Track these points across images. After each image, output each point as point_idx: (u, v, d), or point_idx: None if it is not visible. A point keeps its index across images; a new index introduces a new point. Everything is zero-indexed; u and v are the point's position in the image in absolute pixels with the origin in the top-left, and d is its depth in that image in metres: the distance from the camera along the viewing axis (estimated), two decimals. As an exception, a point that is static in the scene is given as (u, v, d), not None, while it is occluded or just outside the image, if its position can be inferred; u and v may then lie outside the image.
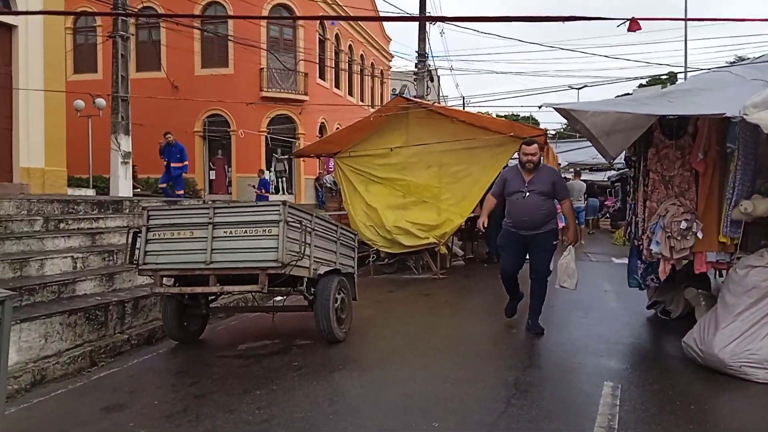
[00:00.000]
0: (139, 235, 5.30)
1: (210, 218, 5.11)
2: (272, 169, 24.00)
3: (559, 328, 6.30)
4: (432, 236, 9.80)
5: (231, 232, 5.06)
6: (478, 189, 9.62)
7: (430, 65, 23.40)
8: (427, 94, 23.61)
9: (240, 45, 21.69)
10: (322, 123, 25.29)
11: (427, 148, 9.88)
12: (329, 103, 24.89)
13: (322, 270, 5.71)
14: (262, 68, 22.42)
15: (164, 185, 15.15)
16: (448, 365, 5.01)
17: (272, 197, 24.40)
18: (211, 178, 23.62)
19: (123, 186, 14.40)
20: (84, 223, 7.24)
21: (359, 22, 28.75)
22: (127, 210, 8.45)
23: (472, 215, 10.00)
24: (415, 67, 23.06)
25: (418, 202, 9.88)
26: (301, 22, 23.15)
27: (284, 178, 24.38)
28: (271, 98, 22.58)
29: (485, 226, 5.95)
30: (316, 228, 5.61)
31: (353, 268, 6.66)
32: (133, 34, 16.41)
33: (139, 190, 17.49)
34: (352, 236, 6.71)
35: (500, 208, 6.26)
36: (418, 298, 8.53)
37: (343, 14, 26.72)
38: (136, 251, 5.32)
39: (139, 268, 5.34)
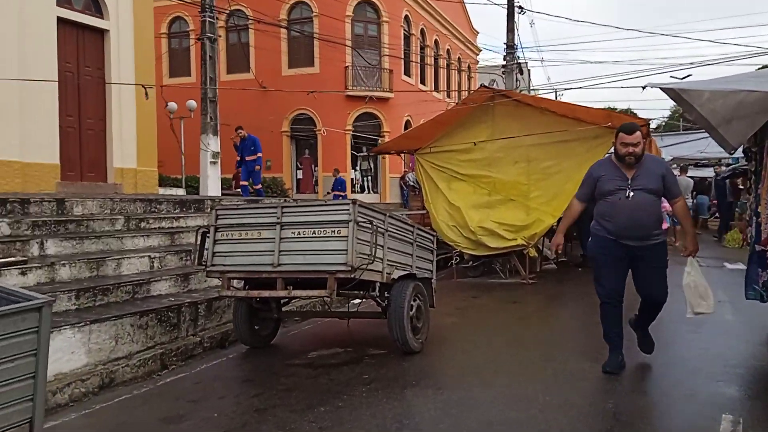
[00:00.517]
0: (208, 235, 5.11)
1: (278, 218, 4.81)
2: (357, 167, 23.94)
3: (666, 346, 5.50)
4: (520, 238, 9.10)
5: (299, 233, 4.75)
6: (571, 186, 8.82)
7: (519, 57, 22.50)
8: (517, 88, 22.68)
9: (325, 44, 21.77)
10: (408, 120, 24.93)
11: (515, 142, 9.18)
12: (414, 99, 24.51)
13: (396, 274, 5.28)
14: (347, 66, 22.35)
15: (245, 183, 14.58)
16: (536, 387, 4.43)
17: (358, 196, 24.43)
18: (298, 177, 23.88)
19: (212, 185, 14.67)
20: (165, 222, 7.24)
21: (445, 16, 28.15)
22: (209, 209, 8.39)
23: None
24: (504, 59, 22.28)
25: (504, 200, 9.21)
26: (386, 17, 22.89)
27: (369, 177, 24.25)
28: (356, 96, 22.47)
29: (567, 242, 5.15)
30: (389, 229, 5.19)
31: (431, 272, 6.19)
32: (220, 36, 16.66)
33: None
34: (430, 238, 6.24)
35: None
36: (504, 306, 7.93)
37: (429, 10, 26.28)
38: (205, 252, 5.13)
39: (207, 269, 5.14)
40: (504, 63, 22.00)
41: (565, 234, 5.24)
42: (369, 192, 24.20)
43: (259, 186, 14.64)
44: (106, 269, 5.56)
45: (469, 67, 33.38)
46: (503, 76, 22.34)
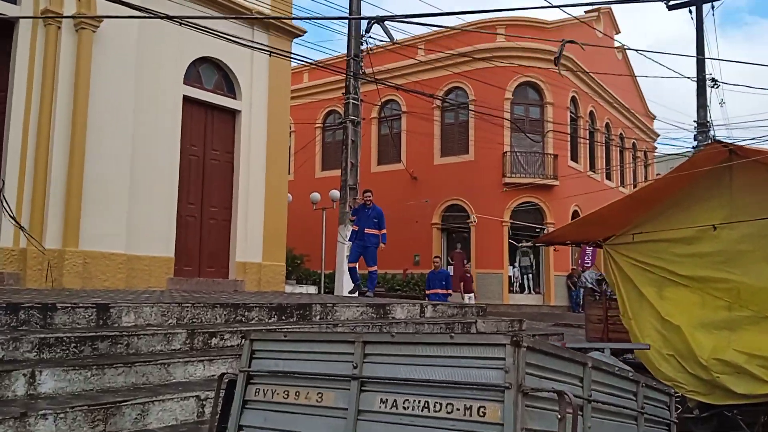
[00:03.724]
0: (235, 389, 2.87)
1: (355, 365, 2.43)
2: (516, 264, 21.11)
3: None
4: (786, 379, 5.73)
5: (395, 404, 2.33)
6: None
7: (714, 136, 18.83)
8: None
9: (481, 129, 19.95)
10: (575, 210, 21.84)
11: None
12: (583, 188, 21.51)
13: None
14: (506, 152, 20.19)
15: (353, 265, 11.07)
16: None
17: (516, 297, 21.44)
18: (449, 273, 21.57)
19: (348, 282, 12.85)
20: (249, 338, 5.26)
21: (617, 97, 25.24)
22: (318, 317, 6.34)
23: None
24: (695, 139, 18.77)
25: (756, 318, 5.86)
26: (549, 98, 20.64)
27: (530, 275, 21.22)
28: (516, 184, 20.08)
29: None
30: (593, 396, 2.57)
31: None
32: (364, 119, 15.51)
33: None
34: (664, 402, 3.43)
35: None
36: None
37: (599, 90, 23.65)
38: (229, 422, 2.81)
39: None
40: (695, 144, 18.50)
41: None
42: (529, 292, 21.11)
43: (375, 268, 10.95)
44: (122, 421, 3.57)
45: (645, 153, 29.64)
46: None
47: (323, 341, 2.68)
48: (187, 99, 9.73)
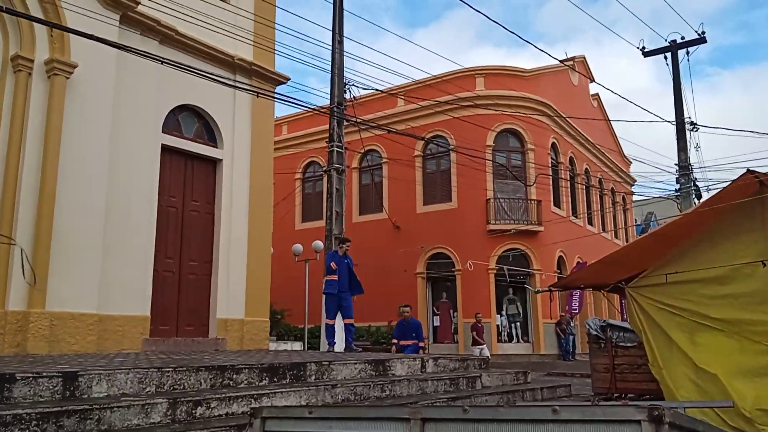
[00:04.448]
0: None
1: None
2: (503, 312, 20.62)
3: None
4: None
5: None
6: None
7: (695, 179, 18.90)
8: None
9: (463, 177, 19.78)
10: (561, 256, 21.61)
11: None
12: (566, 234, 21.35)
13: None
14: (489, 199, 19.99)
15: (332, 322, 10.46)
16: None
17: (505, 346, 20.80)
18: (434, 324, 20.97)
19: (338, 337, 12.20)
20: (237, 405, 4.64)
21: (595, 143, 25.46)
22: (313, 377, 5.76)
23: None
24: (677, 182, 18.82)
25: None
26: (530, 145, 20.66)
27: (518, 323, 20.72)
28: (500, 231, 19.80)
29: None
30: None
31: None
32: (349, 166, 15.18)
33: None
34: None
35: None
36: None
37: (578, 137, 23.82)
38: None
39: None
40: (678, 186, 18.53)
41: None
42: (518, 341, 20.56)
43: (352, 320, 10.46)
44: None
45: (624, 198, 29.81)
46: (678, 200, 18.75)
47: (366, 419, 2.10)
48: (165, 148, 9.29)
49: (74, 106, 7.90)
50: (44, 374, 4.05)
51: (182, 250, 9.51)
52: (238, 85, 10.13)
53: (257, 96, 8.76)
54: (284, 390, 5.04)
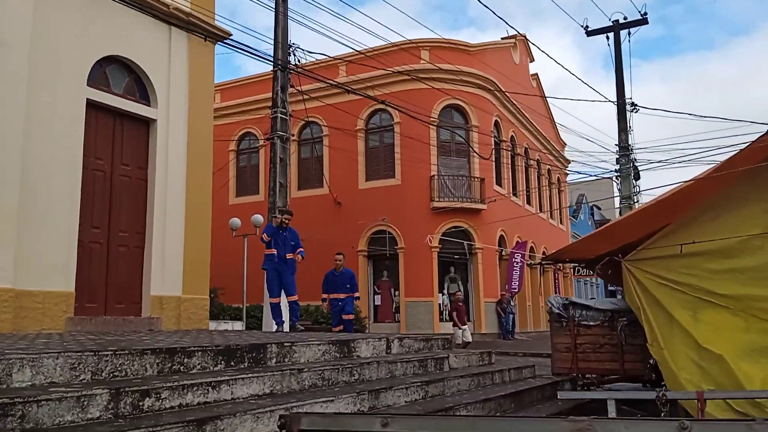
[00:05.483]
0: None
1: None
2: (445, 291, 20.41)
3: None
4: None
5: None
6: None
7: (635, 159, 19.22)
8: (635, 195, 19.20)
9: (407, 153, 19.27)
10: (501, 235, 21.59)
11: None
12: (507, 213, 21.32)
13: None
14: (433, 176, 19.59)
15: (276, 300, 9.86)
16: None
17: (445, 326, 20.57)
18: (375, 303, 20.52)
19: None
20: (191, 394, 3.90)
21: (534, 124, 25.58)
22: (274, 360, 5.07)
23: None
24: (617, 162, 19.06)
25: None
26: (474, 122, 20.38)
27: (459, 302, 20.56)
28: (443, 208, 19.48)
29: None
30: None
31: None
32: (293, 135, 14.32)
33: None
34: None
35: None
36: None
37: (519, 116, 23.79)
38: None
39: None
40: (618, 167, 18.77)
41: None
42: (459, 320, 20.40)
43: (295, 297, 9.88)
44: None
45: (558, 180, 30.30)
46: (617, 180, 19.03)
47: None
48: (91, 104, 8.17)
49: (-18, 49, 6.74)
50: (-55, 360, 3.18)
51: (111, 219, 8.47)
52: (173, 41, 9.14)
53: (205, 40, 7.77)
54: (245, 376, 4.33)
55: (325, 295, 11.47)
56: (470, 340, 15.98)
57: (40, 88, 7.38)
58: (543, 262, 7.87)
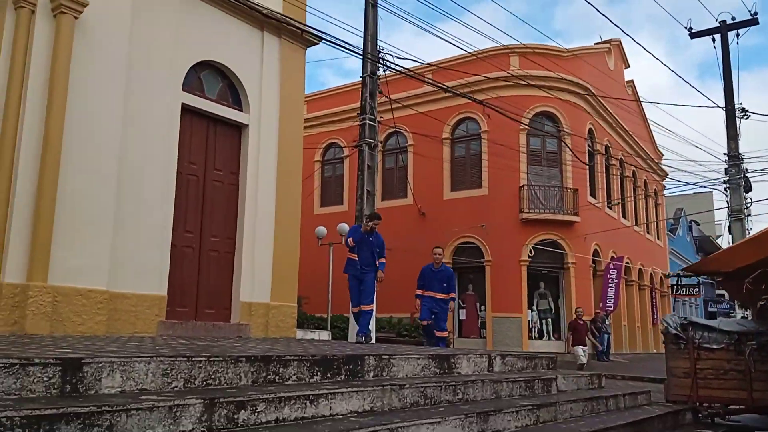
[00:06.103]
0: None
1: None
2: (534, 308, 19.46)
3: None
4: None
5: None
6: None
7: (746, 169, 17.65)
8: (746, 208, 17.61)
9: (495, 163, 18.58)
10: (596, 249, 20.38)
11: None
12: (601, 225, 20.13)
13: None
14: (522, 186, 18.78)
15: (357, 309, 9.13)
16: None
17: (535, 343, 19.55)
18: (460, 318, 19.83)
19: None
20: (288, 408, 3.55)
21: (630, 133, 24.16)
22: (372, 373, 4.66)
23: None
24: (725, 173, 17.54)
25: None
26: (567, 129, 19.42)
27: (549, 319, 19.55)
28: (533, 220, 18.62)
29: None
30: None
31: None
32: (380, 143, 14.05)
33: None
34: None
35: None
36: None
37: (614, 124, 22.55)
38: None
39: None
40: (727, 177, 17.27)
41: None
42: (549, 338, 19.40)
43: (371, 306, 9.22)
44: None
45: (655, 192, 28.51)
46: (726, 192, 17.49)
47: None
48: (186, 108, 8.19)
49: (84, 55, 6.83)
50: (36, 361, 2.96)
51: (203, 224, 8.44)
52: (265, 45, 9.07)
53: (301, 34, 7.57)
54: (344, 390, 3.93)
55: (419, 291, 10.39)
56: (585, 361, 15.08)
57: (137, 92, 7.42)
58: (681, 274, 7.07)
